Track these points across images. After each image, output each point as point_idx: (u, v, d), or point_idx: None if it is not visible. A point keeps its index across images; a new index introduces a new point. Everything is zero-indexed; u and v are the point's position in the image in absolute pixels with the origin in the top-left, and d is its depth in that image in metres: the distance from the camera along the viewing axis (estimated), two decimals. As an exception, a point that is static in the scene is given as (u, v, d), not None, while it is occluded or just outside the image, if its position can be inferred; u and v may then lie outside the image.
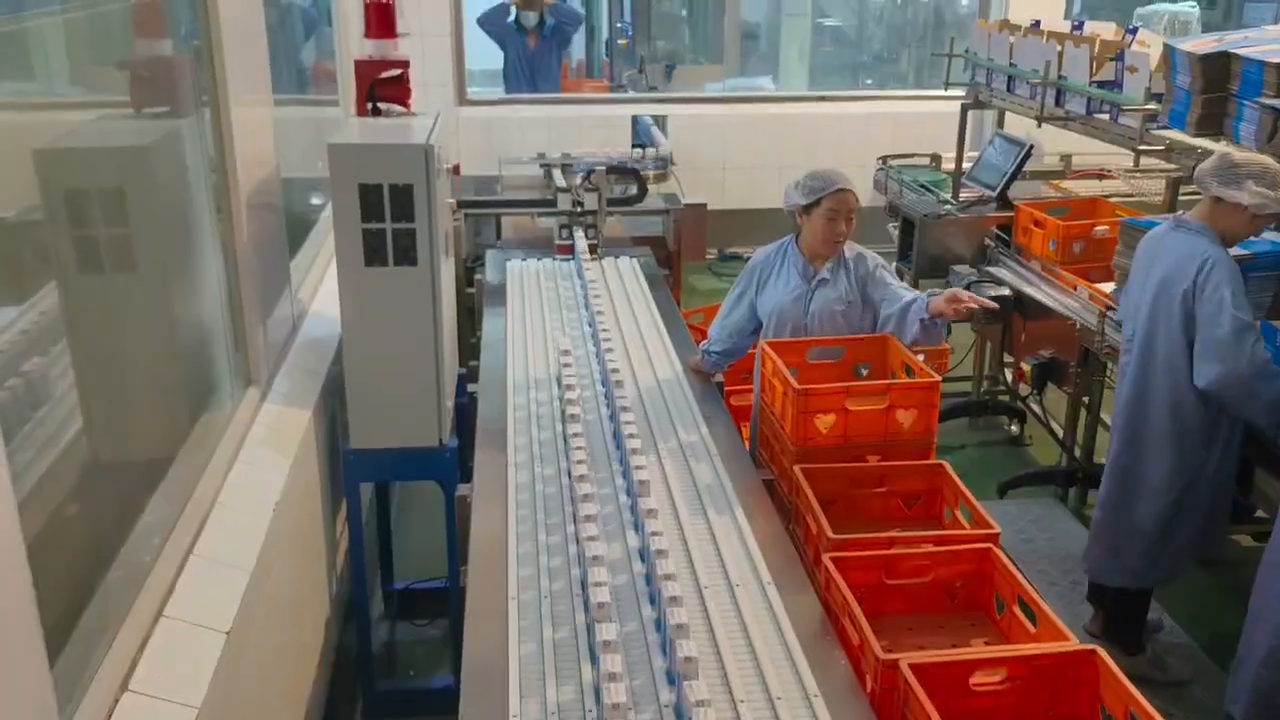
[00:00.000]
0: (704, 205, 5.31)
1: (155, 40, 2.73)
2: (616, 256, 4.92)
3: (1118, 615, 3.85)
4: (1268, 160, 3.40)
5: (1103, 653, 2.16)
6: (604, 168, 4.93)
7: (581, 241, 4.75)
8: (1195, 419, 3.47)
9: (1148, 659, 3.81)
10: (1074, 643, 2.24)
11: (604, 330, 3.74)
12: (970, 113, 5.88)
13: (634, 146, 6.61)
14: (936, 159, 6.36)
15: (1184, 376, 3.44)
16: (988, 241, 5.33)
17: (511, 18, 8.56)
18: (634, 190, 5.18)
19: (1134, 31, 4.76)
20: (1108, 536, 3.74)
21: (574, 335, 4.00)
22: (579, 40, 10.28)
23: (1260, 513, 4.17)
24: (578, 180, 4.87)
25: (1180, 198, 4.48)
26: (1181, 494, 3.56)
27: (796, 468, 2.95)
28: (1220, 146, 3.86)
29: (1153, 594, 3.86)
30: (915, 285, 5.50)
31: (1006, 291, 4.94)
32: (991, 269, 5.19)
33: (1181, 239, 3.47)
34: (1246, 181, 3.33)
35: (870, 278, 3.53)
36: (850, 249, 3.58)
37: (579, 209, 4.83)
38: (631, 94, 9.14)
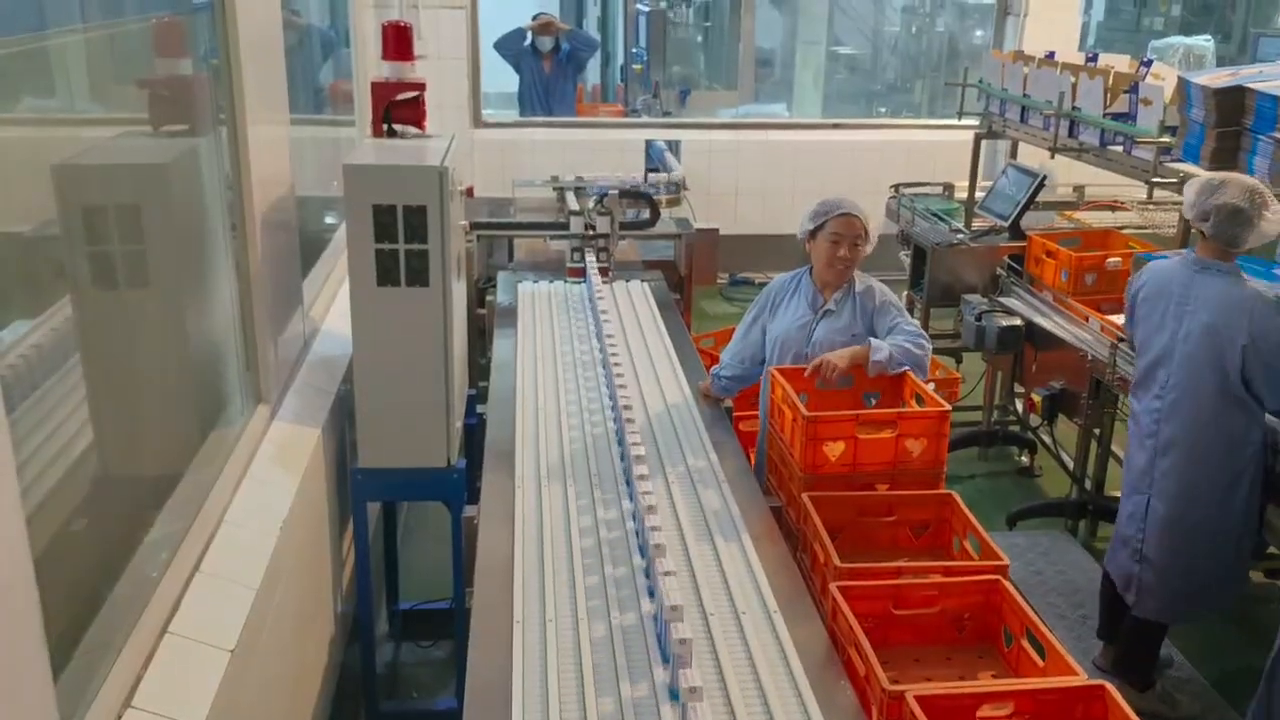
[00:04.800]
0: (716, 230, 5.34)
1: (175, 59, 2.76)
2: (628, 280, 4.93)
3: (1129, 650, 3.82)
4: (1248, 181, 3.43)
5: (1112, 688, 2.14)
6: (617, 191, 4.95)
7: (592, 265, 4.76)
8: (1246, 458, 3.46)
9: (1157, 695, 3.77)
10: (1083, 677, 2.22)
11: (614, 354, 3.74)
12: (983, 142, 5.89)
13: (647, 171, 6.63)
14: (949, 188, 6.37)
15: (1243, 418, 3.43)
16: (999, 271, 5.33)
17: (528, 42, 8.64)
18: (646, 214, 5.20)
19: (1148, 64, 4.77)
20: (1178, 584, 3.65)
21: (584, 358, 4.01)
22: (594, 65, 10.36)
23: (1272, 549, 4.14)
24: (591, 203, 4.88)
25: (1194, 230, 4.47)
26: (1232, 526, 3.54)
27: (804, 495, 2.94)
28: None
29: (1166, 630, 3.82)
30: (927, 314, 5.51)
31: (1018, 322, 4.94)
32: (1003, 299, 5.19)
33: (1217, 283, 3.44)
34: (1263, 213, 3.37)
35: (878, 311, 3.53)
36: (861, 282, 3.57)
37: (591, 232, 4.84)
38: (645, 119, 9.19)
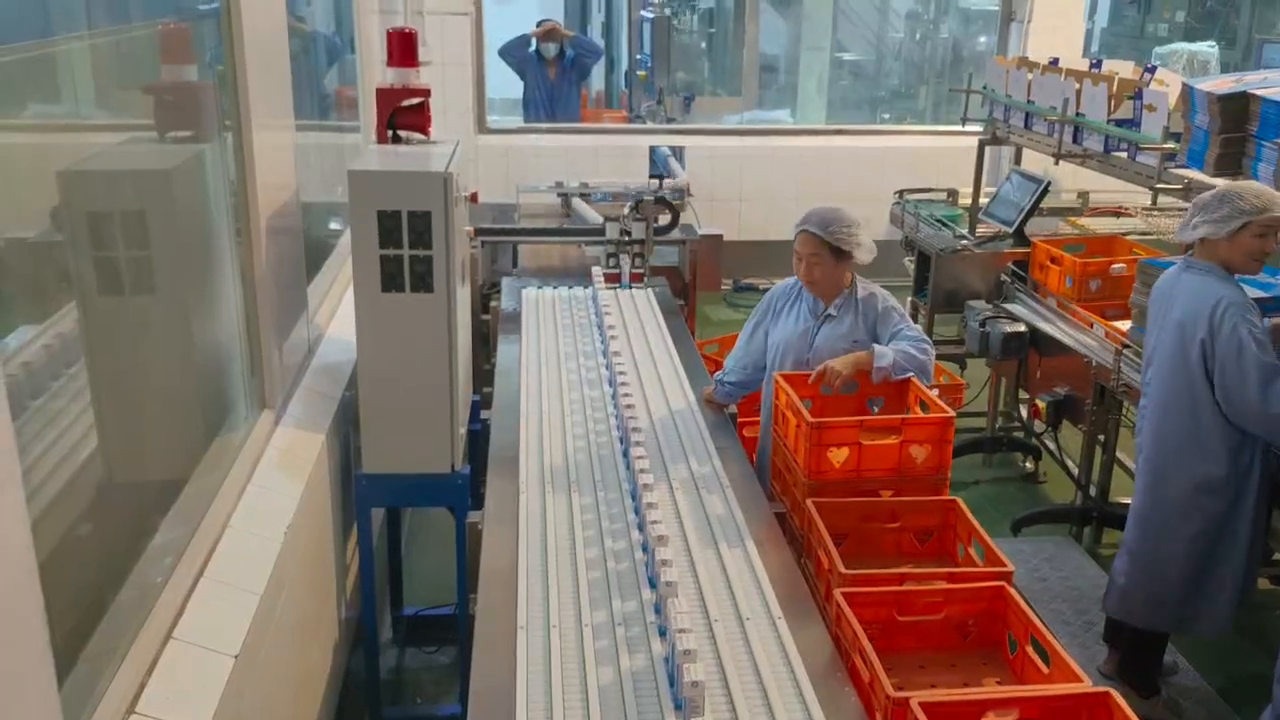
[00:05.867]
0: (720, 236, 5.32)
1: (181, 66, 2.77)
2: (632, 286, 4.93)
3: (1133, 656, 3.81)
4: (1255, 187, 3.43)
5: (1117, 695, 2.14)
6: (652, 197, 4.95)
7: (597, 272, 4.76)
8: (1223, 463, 3.43)
9: (1162, 702, 3.76)
10: (1088, 684, 2.21)
11: (618, 360, 3.74)
12: (987, 148, 5.89)
13: (651, 177, 6.63)
14: (953, 194, 6.37)
15: (1209, 419, 3.41)
16: (1004, 277, 5.33)
17: (532, 48, 8.65)
18: (666, 220, 5.20)
19: (1152, 70, 4.77)
20: (1141, 583, 3.67)
21: (588, 364, 4.01)
22: (598, 71, 10.37)
23: (1277, 556, 4.13)
24: (625, 209, 4.89)
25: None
26: (1215, 539, 3.52)
27: (809, 501, 2.94)
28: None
29: (1169, 636, 3.81)
30: (931, 320, 5.51)
31: (1022, 328, 4.93)
32: (1007, 305, 5.19)
33: (1194, 281, 3.47)
34: (1197, 216, 3.42)
35: (881, 317, 3.52)
36: (863, 288, 3.57)
37: (626, 238, 4.85)
38: (650, 125, 9.20)
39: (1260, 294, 3.63)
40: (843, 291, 3.56)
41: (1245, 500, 3.47)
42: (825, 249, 3.45)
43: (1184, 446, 3.48)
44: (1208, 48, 9.16)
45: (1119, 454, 4.77)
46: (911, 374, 3.38)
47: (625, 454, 3.22)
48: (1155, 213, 5.75)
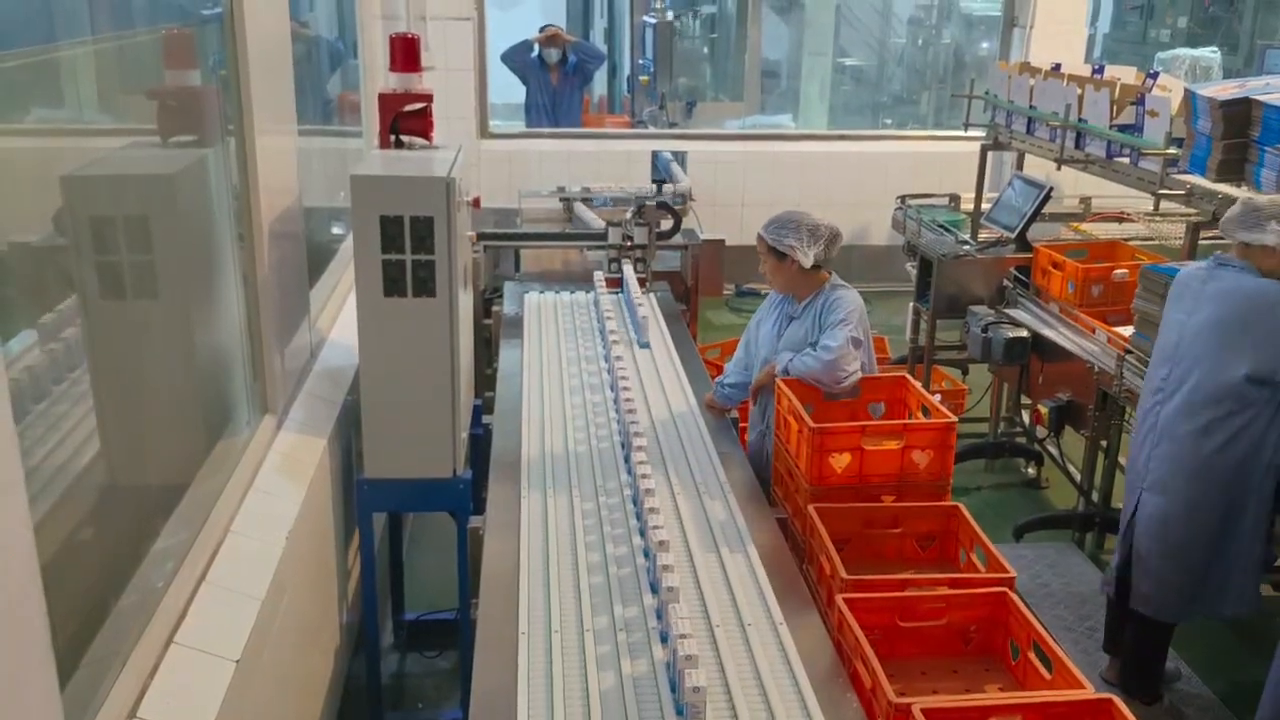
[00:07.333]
0: (722, 241, 5.33)
1: (184, 71, 2.77)
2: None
3: (1136, 663, 3.80)
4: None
5: (1119, 702, 2.13)
6: (654, 202, 4.95)
7: (599, 276, 4.76)
8: (1249, 458, 3.42)
9: (1165, 708, 3.76)
10: (1090, 691, 2.21)
11: (620, 365, 3.74)
12: (990, 154, 5.90)
13: (653, 182, 6.63)
14: (955, 199, 6.36)
15: (1240, 414, 3.39)
16: (1006, 283, 5.32)
17: (534, 53, 8.67)
18: (668, 225, 5.20)
19: (1155, 76, 4.77)
20: (1172, 578, 3.64)
21: (590, 369, 4.01)
22: (600, 76, 10.38)
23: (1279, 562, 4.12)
24: (629, 214, 4.90)
25: (1200, 242, 4.46)
26: (1238, 527, 3.51)
27: (811, 507, 2.93)
28: (1240, 192, 3.86)
29: (1170, 642, 3.81)
30: (933, 325, 5.50)
31: (1024, 333, 4.93)
32: (1009, 310, 5.18)
33: (1230, 276, 3.44)
34: (1270, 223, 3.34)
35: (827, 322, 3.51)
36: (834, 291, 3.57)
37: (629, 242, 4.86)
38: (652, 130, 9.20)
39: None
40: (813, 293, 3.58)
41: (1253, 490, 3.46)
42: (766, 248, 3.59)
43: (1208, 440, 3.44)
44: (1210, 53, 9.15)
45: (1121, 459, 4.76)
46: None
47: (627, 458, 3.23)
48: (1158, 218, 5.73)
